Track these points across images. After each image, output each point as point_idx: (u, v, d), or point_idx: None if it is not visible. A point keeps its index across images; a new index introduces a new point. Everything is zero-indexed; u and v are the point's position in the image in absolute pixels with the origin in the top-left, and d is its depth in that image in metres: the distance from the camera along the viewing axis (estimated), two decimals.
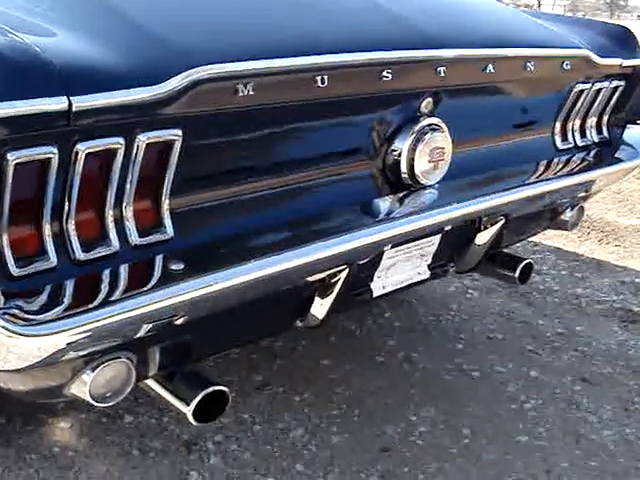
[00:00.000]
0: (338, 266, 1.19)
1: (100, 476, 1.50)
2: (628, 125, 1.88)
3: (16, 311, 0.83)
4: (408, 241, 1.31)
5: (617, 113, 1.85)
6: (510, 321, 2.28)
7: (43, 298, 0.87)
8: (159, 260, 0.98)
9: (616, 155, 1.84)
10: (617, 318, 2.36)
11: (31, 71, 0.81)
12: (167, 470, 1.53)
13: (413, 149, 1.29)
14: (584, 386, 1.92)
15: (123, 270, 0.95)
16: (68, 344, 0.86)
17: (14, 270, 0.87)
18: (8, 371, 0.94)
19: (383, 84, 1.19)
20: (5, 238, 0.86)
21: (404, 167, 1.30)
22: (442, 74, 1.28)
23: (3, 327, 0.81)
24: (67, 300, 0.87)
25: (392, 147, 1.30)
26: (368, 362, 1.95)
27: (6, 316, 0.82)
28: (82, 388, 1.00)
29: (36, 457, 1.56)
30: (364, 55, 1.13)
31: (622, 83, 1.80)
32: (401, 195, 1.31)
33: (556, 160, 1.69)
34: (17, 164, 0.82)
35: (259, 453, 1.59)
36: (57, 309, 0.84)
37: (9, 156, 0.81)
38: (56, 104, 0.81)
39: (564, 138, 1.74)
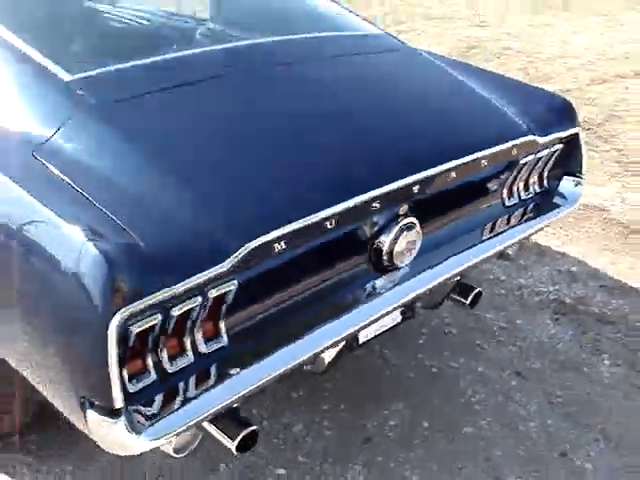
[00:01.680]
0: (342, 340, 1.64)
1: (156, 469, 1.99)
2: (564, 177, 2.31)
3: (135, 421, 1.26)
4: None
5: (555, 169, 2.28)
6: (462, 315, 2.78)
7: (150, 409, 1.29)
8: (219, 366, 1.41)
9: (553, 202, 2.29)
10: (551, 310, 2.87)
11: (158, 265, 1.21)
12: (200, 463, 2.02)
13: (394, 242, 1.72)
14: (518, 380, 2.43)
15: (195, 374, 1.38)
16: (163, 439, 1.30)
17: (130, 387, 1.29)
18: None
19: (373, 209, 1.61)
20: (124, 371, 1.27)
21: (385, 257, 1.73)
22: (416, 190, 1.69)
23: (128, 432, 1.24)
24: (165, 409, 1.30)
25: (378, 241, 1.72)
26: (350, 360, 2.41)
27: (130, 424, 1.25)
28: (168, 447, 1.46)
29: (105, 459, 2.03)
30: (359, 198, 1.54)
31: (560, 146, 2.22)
32: (384, 278, 1.75)
33: (504, 218, 2.13)
34: (137, 332, 1.24)
35: (270, 446, 2.08)
36: (161, 421, 1.27)
37: (132, 328, 1.22)
38: (170, 292, 1.22)
39: (510, 196, 2.17)
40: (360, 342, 1.86)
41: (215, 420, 1.53)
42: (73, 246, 1.19)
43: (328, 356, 1.75)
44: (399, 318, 1.95)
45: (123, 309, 1.16)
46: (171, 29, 2.40)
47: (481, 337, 2.65)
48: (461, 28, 8.08)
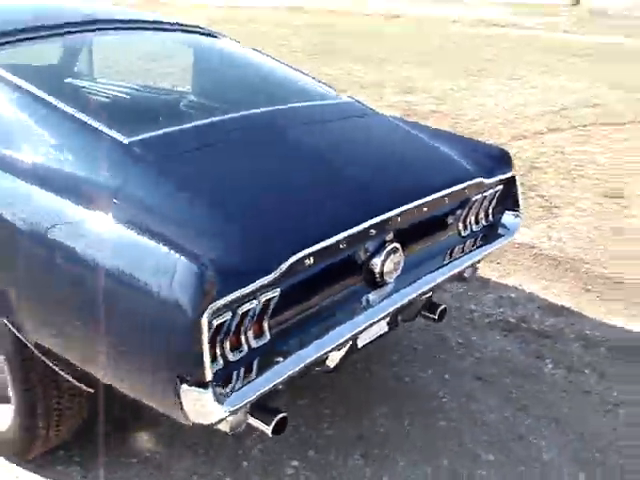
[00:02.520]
0: (350, 339, 2.07)
1: (183, 469, 2.34)
2: (505, 212, 2.84)
3: (218, 392, 1.65)
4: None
5: (497, 206, 2.81)
6: (427, 334, 3.24)
7: (228, 385, 1.69)
8: (262, 356, 1.82)
9: (498, 232, 2.81)
10: (499, 328, 3.37)
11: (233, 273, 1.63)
12: (226, 459, 2.39)
13: (383, 263, 2.18)
14: (478, 383, 2.90)
15: (251, 361, 1.79)
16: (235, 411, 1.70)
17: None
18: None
19: (370, 234, 2.07)
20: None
21: (377, 274, 2.19)
22: (399, 220, 2.17)
23: (214, 401, 1.63)
24: (237, 385, 1.70)
25: (371, 263, 2.18)
26: (342, 374, 2.82)
27: (215, 395, 1.64)
28: (225, 425, 1.85)
29: (136, 461, 2.38)
30: (361, 225, 2.01)
31: (501, 187, 2.75)
32: (377, 291, 2.20)
33: (461, 245, 2.62)
34: (217, 325, 1.64)
35: (286, 444, 2.47)
36: (233, 396, 1.67)
37: (214, 322, 1.63)
38: (237, 294, 1.64)
39: (465, 228, 2.67)
40: (359, 346, 2.29)
41: (252, 410, 1.93)
42: (170, 262, 1.60)
43: (337, 356, 2.17)
44: (386, 328, 2.40)
45: (211, 305, 1.58)
46: (193, 101, 2.85)
47: (444, 352, 3.12)
48: (391, 94, 8.83)
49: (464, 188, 2.48)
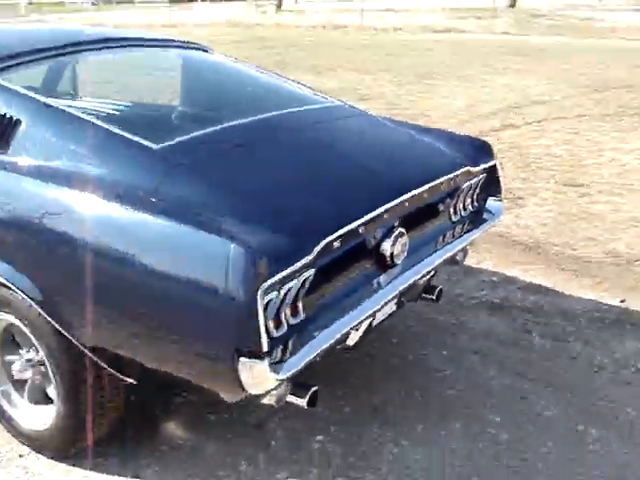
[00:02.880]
0: (370, 316, 2.28)
1: (215, 452, 2.52)
2: (489, 198, 3.09)
3: (272, 362, 1.84)
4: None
5: (482, 192, 3.06)
6: (421, 318, 3.48)
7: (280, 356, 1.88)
8: (300, 333, 2.02)
9: (483, 217, 3.05)
10: (486, 308, 3.63)
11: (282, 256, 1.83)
12: (254, 441, 2.57)
13: (392, 246, 2.40)
14: (476, 356, 3.14)
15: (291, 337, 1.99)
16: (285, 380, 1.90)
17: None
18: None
19: (382, 219, 2.30)
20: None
21: (388, 257, 2.40)
22: (406, 205, 2.40)
23: (269, 370, 1.82)
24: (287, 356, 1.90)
25: (382, 247, 2.39)
26: (349, 358, 3.02)
27: (270, 364, 1.83)
28: (270, 398, 2.04)
29: (167, 448, 2.54)
30: (379, 210, 2.23)
31: (484, 175, 3.01)
32: (388, 272, 2.42)
33: (453, 230, 2.86)
34: (267, 301, 1.84)
35: (307, 423, 2.66)
36: (284, 365, 1.87)
37: (265, 298, 1.82)
38: (283, 273, 1.84)
39: (455, 213, 2.91)
40: (373, 325, 2.51)
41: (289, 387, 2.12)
42: (224, 248, 1.79)
43: (356, 335, 2.38)
44: (394, 307, 2.62)
45: (263, 284, 1.78)
46: (203, 110, 3.04)
47: (439, 332, 3.36)
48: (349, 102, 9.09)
49: (456, 176, 2.73)
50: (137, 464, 2.47)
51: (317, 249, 1.97)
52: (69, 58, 2.89)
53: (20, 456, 2.53)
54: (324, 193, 2.24)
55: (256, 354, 1.80)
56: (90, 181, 2.16)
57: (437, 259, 2.64)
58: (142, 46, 3.17)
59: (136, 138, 2.24)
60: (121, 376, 2.26)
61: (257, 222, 1.95)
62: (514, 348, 3.20)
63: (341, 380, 2.91)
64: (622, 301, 3.67)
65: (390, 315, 2.62)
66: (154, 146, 2.21)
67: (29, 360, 2.47)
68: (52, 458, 2.50)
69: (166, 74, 3.22)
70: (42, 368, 2.45)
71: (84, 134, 2.29)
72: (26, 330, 2.33)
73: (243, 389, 1.87)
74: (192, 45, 3.36)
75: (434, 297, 2.94)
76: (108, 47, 2.96)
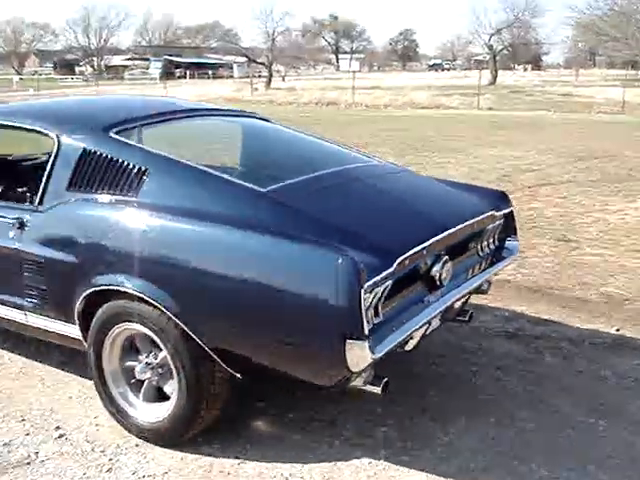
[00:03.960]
0: (426, 323, 2.92)
1: (300, 440, 3.09)
2: (507, 238, 3.77)
3: (370, 343, 2.47)
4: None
5: (502, 233, 3.73)
6: (448, 345, 4.10)
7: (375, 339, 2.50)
8: (382, 328, 2.65)
9: (503, 254, 3.73)
10: (502, 336, 4.26)
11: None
12: (327, 431, 3.15)
13: (441, 270, 3.06)
14: (499, 371, 3.76)
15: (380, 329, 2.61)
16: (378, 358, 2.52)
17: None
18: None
19: (436, 247, 2.96)
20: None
21: (437, 279, 3.05)
22: (449, 239, 3.07)
23: (368, 350, 2.44)
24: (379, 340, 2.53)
25: (433, 270, 3.04)
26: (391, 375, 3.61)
27: (369, 345, 2.45)
28: (359, 380, 2.66)
29: (259, 436, 3.12)
30: (435, 238, 2.89)
31: (504, 219, 3.69)
32: (436, 292, 3.06)
33: (481, 263, 3.53)
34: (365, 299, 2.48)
35: (367, 420, 3.24)
36: (377, 348, 2.50)
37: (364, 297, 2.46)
38: (376, 279, 2.49)
39: (482, 249, 3.58)
40: (426, 334, 3.14)
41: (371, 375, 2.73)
42: (333, 259, 2.44)
43: (414, 341, 3.01)
44: (439, 322, 3.26)
45: (364, 285, 2.43)
46: (291, 162, 3.73)
47: (465, 354, 3.97)
48: None
49: (483, 218, 3.41)
50: (236, 449, 3.03)
51: (395, 264, 2.62)
52: (171, 122, 3.60)
53: (136, 445, 3.09)
54: (391, 225, 2.92)
55: (359, 337, 2.43)
56: (213, 217, 2.81)
57: (471, 285, 3.30)
58: (222, 115, 3.90)
59: (247, 184, 2.91)
60: (231, 371, 2.86)
61: (352, 242, 2.61)
62: (530, 364, 3.83)
63: (392, 389, 3.50)
64: (617, 330, 4.33)
65: (435, 329, 3.25)
66: (262, 190, 2.89)
67: (148, 364, 3.05)
68: (164, 446, 3.04)
69: (244, 137, 3.93)
70: (160, 370, 3.03)
71: (204, 181, 2.96)
72: (154, 336, 2.92)
73: (347, 367, 2.48)
74: (258, 115, 4.10)
75: (467, 318, 3.59)
76: (198, 115, 3.69)
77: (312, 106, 24.70)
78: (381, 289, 2.59)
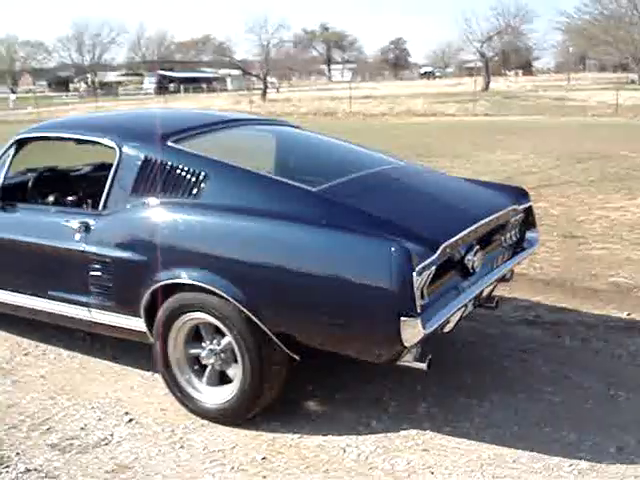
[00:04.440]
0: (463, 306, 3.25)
1: (350, 416, 3.41)
2: (527, 230, 4.11)
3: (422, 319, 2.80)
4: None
5: (522, 226, 4.07)
6: (474, 331, 4.43)
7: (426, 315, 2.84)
8: (428, 309, 2.98)
9: (524, 246, 4.06)
10: (523, 324, 4.60)
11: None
12: (373, 408, 3.47)
13: (474, 258, 3.39)
14: (525, 354, 4.08)
15: (427, 309, 2.94)
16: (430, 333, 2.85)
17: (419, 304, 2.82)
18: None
19: (469, 237, 3.30)
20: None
21: (470, 266, 3.38)
22: (480, 230, 3.41)
23: (421, 325, 2.77)
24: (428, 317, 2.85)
25: (467, 258, 3.37)
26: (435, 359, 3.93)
27: (421, 320, 2.78)
28: (409, 357, 2.99)
29: (314, 414, 3.43)
30: (470, 228, 3.23)
31: (524, 212, 4.03)
32: (470, 278, 3.39)
33: (504, 254, 3.86)
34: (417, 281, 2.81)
35: (407, 397, 3.57)
36: (427, 324, 2.83)
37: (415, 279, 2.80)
38: (424, 263, 2.82)
39: (505, 240, 3.92)
40: (462, 317, 3.46)
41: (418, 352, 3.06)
42: (388, 247, 2.77)
43: (452, 324, 3.33)
44: (472, 307, 3.59)
45: (416, 268, 2.76)
46: (332, 164, 4.07)
47: (491, 339, 4.30)
48: None
49: (507, 212, 3.75)
50: (294, 427, 3.34)
51: (438, 251, 2.96)
52: (219, 131, 3.94)
53: (202, 425, 3.40)
54: (431, 217, 3.27)
55: (412, 314, 2.76)
56: (270, 214, 3.14)
57: (498, 273, 3.63)
58: (260, 123, 4.27)
59: (298, 184, 3.25)
60: (291, 354, 3.18)
61: (400, 233, 2.94)
62: (552, 347, 4.16)
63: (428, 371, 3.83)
64: (628, 314, 4.67)
65: (469, 313, 3.58)
66: (312, 189, 3.23)
67: (212, 350, 3.37)
68: (228, 425, 3.36)
69: (283, 143, 4.28)
70: (222, 355, 3.35)
71: (258, 183, 3.30)
72: (219, 324, 3.24)
73: (401, 342, 2.81)
74: (291, 123, 4.46)
75: (494, 305, 3.92)
76: (241, 124, 4.05)
77: (311, 117, 25.10)
78: (426, 273, 2.92)
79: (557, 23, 37.98)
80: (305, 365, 3.39)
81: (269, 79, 44.05)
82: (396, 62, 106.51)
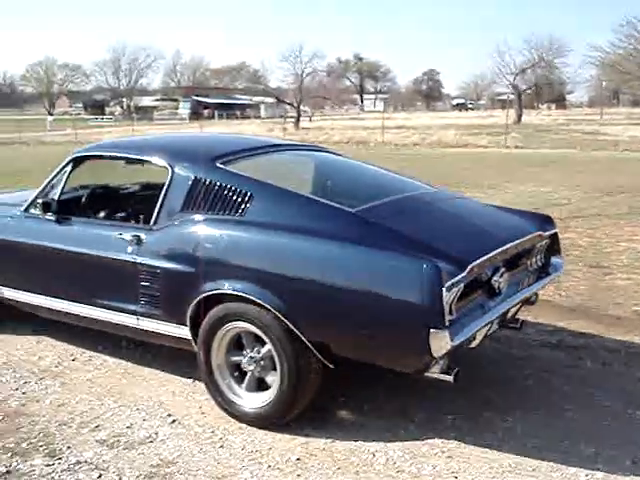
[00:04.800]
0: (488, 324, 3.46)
1: (379, 425, 3.62)
2: (552, 256, 4.31)
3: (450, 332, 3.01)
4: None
5: (548, 251, 4.27)
6: (499, 353, 4.62)
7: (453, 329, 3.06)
8: (455, 323, 3.19)
9: (549, 270, 4.27)
10: (546, 347, 4.78)
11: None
12: (400, 417, 3.68)
13: (500, 279, 3.60)
14: (548, 374, 4.26)
15: (454, 324, 3.15)
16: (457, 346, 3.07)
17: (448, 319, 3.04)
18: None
19: (496, 259, 3.52)
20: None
21: (496, 287, 3.60)
22: (506, 253, 3.63)
23: (449, 337, 2.99)
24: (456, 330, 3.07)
25: (493, 279, 3.59)
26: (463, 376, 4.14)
27: (449, 333, 3.00)
28: (436, 368, 3.20)
29: (345, 421, 3.65)
30: (497, 251, 3.45)
31: (549, 239, 4.24)
32: (496, 298, 3.60)
33: (529, 277, 4.06)
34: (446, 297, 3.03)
35: (433, 411, 3.77)
36: (456, 336, 3.05)
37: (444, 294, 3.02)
38: (453, 280, 3.05)
39: (531, 265, 4.12)
40: (487, 335, 3.67)
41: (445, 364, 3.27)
42: (420, 265, 3.01)
43: (479, 339, 3.54)
44: (497, 326, 3.80)
45: (445, 284, 2.99)
46: (367, 188, 4.33)
47: (516, 360, 4.49)
48: None
49: (533, 237, 3.97)
50: (326, 433, 3.56)
51: (466, 270, 3.19)
52: (262, 155, 4.24)
53: (240, 428, 3.64)
54: (460, 239, 3.50)
55: (441, 326, 2.99)
56: (310, 232, 3.40)
57: (523, 294, 3.84)
58: (300, 149, 4.56)
59: (339, 205, 3.51)
60: (326, 363, 3.42)
61: (431, 252, 3.18)
62: (574, 369, 4.34)
63: (454, 387, 4.02)
64: None
65: (494, 332, 3.79)
66: (352, 210, 3.48)
67: (252, 357, 3.61)
68: (265, 429, 3.59)
69: (323, 167, 4.56)
70: (262, 362, 3.59)
71: (300, 202, 3.57)
72: (260, 333, 3.49)
73: (430, 353, 3.03)
74: (329, 149, 4.75)
75: (518, 326, 4.13)
76: (283, 149, 4.35)
77: (343, 145, 25.47)
78: (455, 290, 3.14)
79: (591, 58, 38.14)
80: (337, 377, 3.61)
81: (302, 107, 44.66)
82: (428, 93, 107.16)
